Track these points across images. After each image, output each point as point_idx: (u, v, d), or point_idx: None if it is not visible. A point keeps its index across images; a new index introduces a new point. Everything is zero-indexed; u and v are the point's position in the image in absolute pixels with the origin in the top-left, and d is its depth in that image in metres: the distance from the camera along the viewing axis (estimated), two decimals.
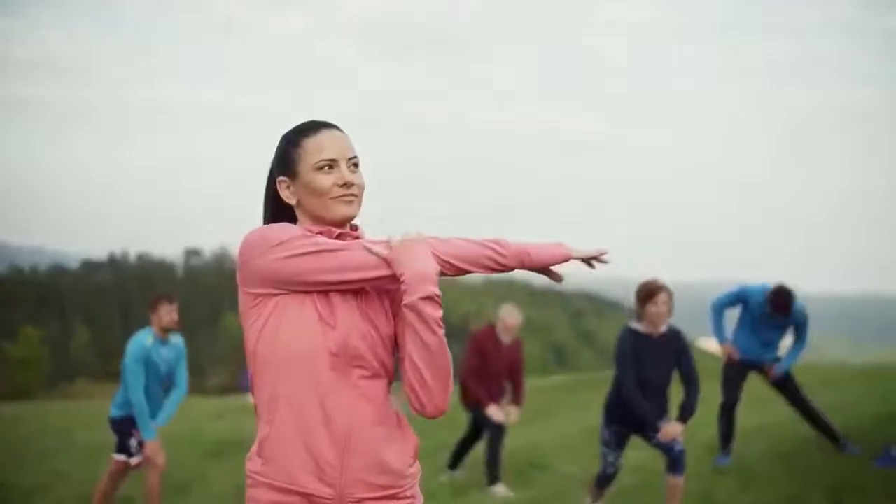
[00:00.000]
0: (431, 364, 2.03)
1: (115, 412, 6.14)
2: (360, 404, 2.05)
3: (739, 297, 6.86)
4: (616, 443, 5.52)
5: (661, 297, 5.22)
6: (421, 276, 2.00)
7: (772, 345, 6.86)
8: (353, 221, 2.17)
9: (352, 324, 2.05)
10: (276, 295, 2.04)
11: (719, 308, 6.90)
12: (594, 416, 10.73)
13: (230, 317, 64.12)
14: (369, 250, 2.04)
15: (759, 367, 6.90)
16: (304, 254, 2.01)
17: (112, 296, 65.21)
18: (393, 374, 2.14)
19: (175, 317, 6.06)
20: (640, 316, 5.32)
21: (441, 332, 2.02)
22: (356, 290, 2.08)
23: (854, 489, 5.91)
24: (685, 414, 5.27)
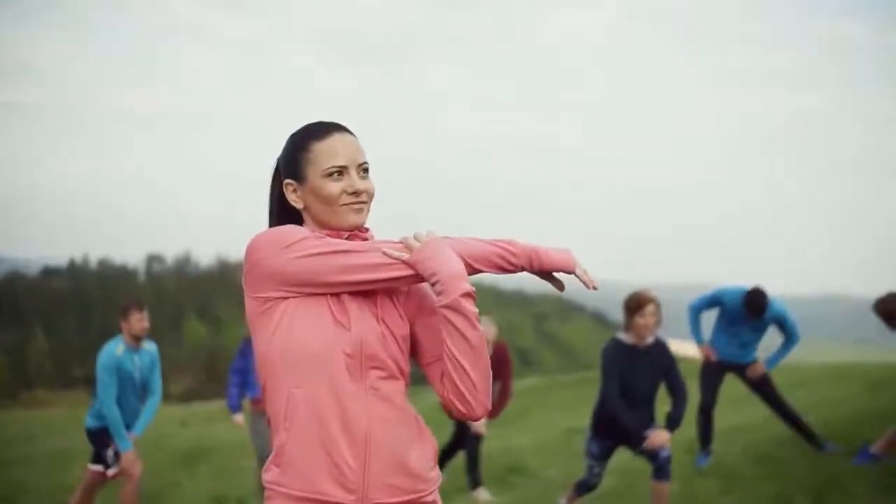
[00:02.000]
0: (475, 361, 1.98)
1: (90, 423, 6.01)
2: (379, 406, 1.98)
3: (716, 300, 6.88)
4: (602, 455, 5.45)
5: (650, 308, 5.17)
6: (455, 274, 1.95)
7: (750, 346, 6.88)
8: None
9: (366, 325, 1.99)
10: (286, 298, 1.97)
11: (696, 310, 6.91)
12: (569, 418, 10.80)
13: (193, 323, 63.58)
14: (385, 252, 1.98)
15: (737, 368, 6.92)
16: (318, 254, 1.95)
17: (72, 302, 64.23)
18: (409, 376, 2.07)
19: (146, 324, 5.95)
20: (627, 326, 5.27)
21: (480, 328, 1.98)
22: (368, 292, 2.02)
23: (836, 487, 5.92)
24: (672, 424, 5.24)
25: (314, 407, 1.94)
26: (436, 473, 2.08)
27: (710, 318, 7.00)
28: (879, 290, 6.37)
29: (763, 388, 6.92)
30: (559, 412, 11.32)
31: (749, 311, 6.61)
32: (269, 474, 2.00)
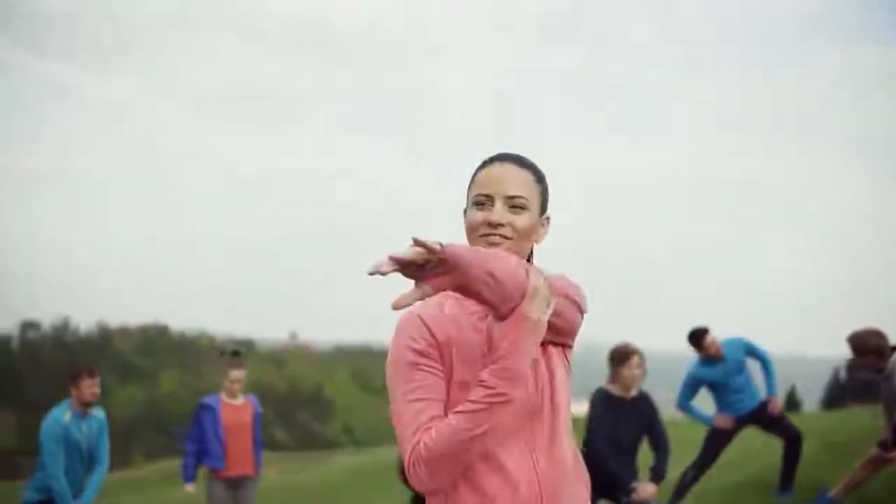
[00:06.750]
0: None
1: (30, 496, 5.60)
2: (560, 464, 1.91)
3: (693, 382, 7.01)
4: None
5: (634, 360, 5.26)
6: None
7: (747, 388, 6.98)
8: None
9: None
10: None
11: (685, 403, 7.06)
12: None
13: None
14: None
15: (753, 415, 6.99)
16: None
17: None
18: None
19: (97, 390, 5.61)
20: (613, 378, 5.33)
21: None
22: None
23: None
24: (657, 476, 5.26)
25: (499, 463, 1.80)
26: None
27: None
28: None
29: (783, 421, 6.99)
30: None
31: (699, 349, 6.83)
32: None
